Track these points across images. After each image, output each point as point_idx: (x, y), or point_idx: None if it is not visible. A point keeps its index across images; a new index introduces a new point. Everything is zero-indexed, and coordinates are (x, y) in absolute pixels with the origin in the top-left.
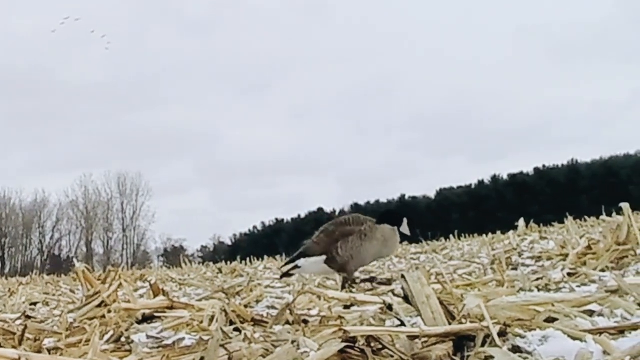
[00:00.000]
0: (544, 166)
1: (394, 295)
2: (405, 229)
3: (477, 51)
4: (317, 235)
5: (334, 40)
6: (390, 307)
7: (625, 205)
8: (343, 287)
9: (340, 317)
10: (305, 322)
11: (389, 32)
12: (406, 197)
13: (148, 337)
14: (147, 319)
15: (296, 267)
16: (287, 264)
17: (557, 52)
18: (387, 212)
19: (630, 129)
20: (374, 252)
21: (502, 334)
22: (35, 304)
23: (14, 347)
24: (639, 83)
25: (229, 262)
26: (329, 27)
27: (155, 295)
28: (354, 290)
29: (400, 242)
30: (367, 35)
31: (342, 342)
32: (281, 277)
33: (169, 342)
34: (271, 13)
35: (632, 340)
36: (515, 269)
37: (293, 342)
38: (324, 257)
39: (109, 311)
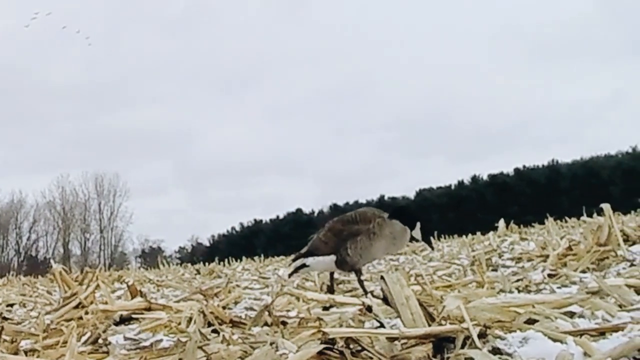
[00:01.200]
0: (524, 167)
1: (373, 296)
2: (417, 233)
3: (456, 51)
4: (325, 233)
5: (312, 40)
6: (369, 309)
7: (606, 206)
8: (362, 287)
9: (319, 319)
10: (284, 323)
11: (367, 32)
12: (385, 197)
13: (125, 338)
14: (124, 320)
15: (304, 265)
16: (295, 260)
17: (536, 51)
18: (402, 209)
19: (610, 129)
20: (382, 250)
21: (482, 335)
22: (12, 305)
23: None
24: (619, 83)
25: (207, 263)
26: (307, 27)
27: (133, 297)
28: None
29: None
30: (345, 35)
31: (321, 343)
32: (289, 275)
33: (147, 343)
34: (249, 13)
35: (612, 341)
36: (495, 270)
37: (271, 343)
38: (333, 258)
39: (86, 312)
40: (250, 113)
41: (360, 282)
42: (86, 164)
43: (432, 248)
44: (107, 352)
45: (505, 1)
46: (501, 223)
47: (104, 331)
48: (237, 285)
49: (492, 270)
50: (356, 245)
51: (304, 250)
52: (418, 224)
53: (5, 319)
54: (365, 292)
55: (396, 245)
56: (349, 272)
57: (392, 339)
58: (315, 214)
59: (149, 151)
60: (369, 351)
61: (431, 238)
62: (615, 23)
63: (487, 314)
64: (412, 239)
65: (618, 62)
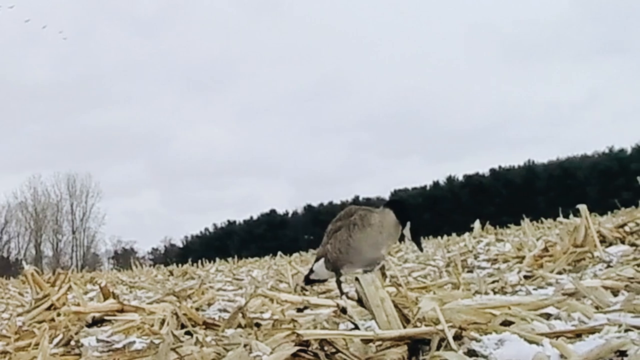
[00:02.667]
0: (500, 167)
1: (348, 298)
2: (407, 232)
3: (431, 51)
4: (324, 236)
5: (285, 39)
6: (344, 311)
7: (582, 207)
8: (339, 288)
9: (293, 321)
10: (258, 325)
11: (341, 31)
12: (360, 198)
13: (98, 340)
14: (97, 322)
15: (312, 271)
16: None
17: (512, 51)
18: (397, 202)
19: (587, 130)
20: (368, 242)
21: (457, 337)
22: None
23: None
24: (595, 83)
25: (180, 265)
26: (280, 27)
27: (106, 298)
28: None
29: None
30: (319, 34)
31: (295, 345)
32: (305, 283)
33: (119, 345)
34: (222, 12)
35: (589, 343)
36: (470, 271)
37: (245, 345)
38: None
39: (59, 314)
40: (223, 113)
41: (338, 282)
42: (58, 164)
43: (421, 249)
44: (80, 354)
45: (480, 0)
46: (477, 224)
47: (77, 333)
48: (211, 287)
49: (468, 271)
50: (335, 240)
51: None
52: (409, 223)
53: None
54: (342, 293)
55: (384, 235)
56: (333, 272)
57: (366, 341)
58: (290, 215)
59: (122, 151)
60: (343, 353)
61: (421, 239)
62: (592, 23)
63: (462, 315)
64: (401, 237)
65: (594, 62)
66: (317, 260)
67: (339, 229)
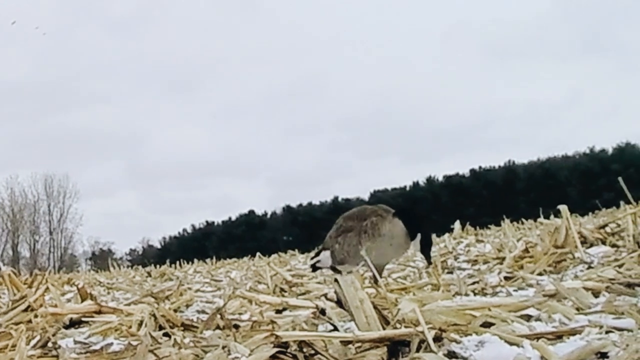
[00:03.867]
0: (480, 167)
1: (327, 299)
2: (416, 244)
3: (410, 50)
4: (333, 228)
5: (263, 39)
6: (323, 312)
7: (563, 208)
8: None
9: (272, 322)
10: (236, 327)
11: (319, 31)
12: (339, 199)
13: (75, 342)
14: (74, 323)
15: (318, 260)
16: (315, 256)
17: (491, 51)
18: (408, 212)
19: (567, 130)
20: (380, 252)
21: (437, 339)
22: None
23: None
24: (576, 82)
25: (158, 266)
26: (258, 27)
27: (83, 300)
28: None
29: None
30: (296, 34)
31: (274, 347)
32: (312, 269)
33: (97, 347)
34: (199, 12)
35: (570, 345)
36: (450, 272)
37: (224, 347)
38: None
39: (36, 316)
40: (201, 113)
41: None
42: (35, 164)
43: (430, 263)
44: (57, 356)
45: None
46: (457, 225)
47: (54, 335)
48: (189, 288)
49: (448, 272)
50: (344, 242)
51: (321, 246)
52: (419, 235)
53: None
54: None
55: (393, 246)
56: (343, 268)
57: (346, 343)
58: (268, 216)
59: (100, 152)
60: (322, 355)
61: (431, 251)
62: (572, 22)
63: (442, 317)
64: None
65: (575, 62)
66: (324, 249)
67: (349, 230)
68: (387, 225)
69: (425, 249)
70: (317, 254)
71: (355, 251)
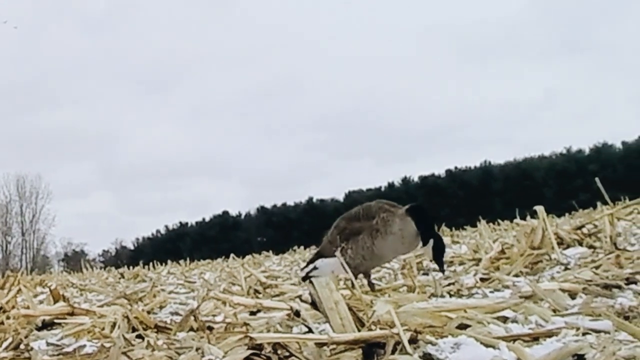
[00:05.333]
0: (456, 168)
1: (302, 301)
2: (428, 251)
3: (385, 50)
4: (331, 232)
5: (238, 38)
6: (297, 313)
7: (539, 209)
8: (371, 289)
9: (246, 324)
10: (210, 328)
11: (294, 31)
12: (314, 199)
13: (48, 344)
14: (47, 325)
15: (315, 268)
16: (307, 264)
17: (468, 51)
18: (421, 212)
19: (544, 130)
20: (389, 249)
21: (412, 341)
22: None
23: None
24: (552, 82)
25: (131, 267)
26: (234, 26)
27: (56, 301)
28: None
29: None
30: (272, 34)
31: (248, 349)
32: (303, 279)
33: (70, 349)
34: (174, 11)
35: (546, 347)
36: (426, 274)
37: (197, 349)
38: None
39: (8, 317)
40: (176, 113)
41: (370, 284)
42: (7, 165)
43: (443, 272)
44: (29, 358)
45: None
46: None
47: (26, 336)
48: (162, 290)
49: (423, 274)
50: (357, 245)
51: (315, 252)
52: (431, 241)
53: None
54: (371, 288)
55: (405, 245)
56: (356, 274)
57: (320, 345)
58: (242, 217)
59: (73, 152)
60: (297, 357)
61: (443, 259)
62: (548, 22)
63: (418, 318)
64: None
65: (551, 62)
66: (319, 256)
67: (358, 232)
68: (397, 223)
69: (439, 256)
70: (311, 262)
71: (370, 253)
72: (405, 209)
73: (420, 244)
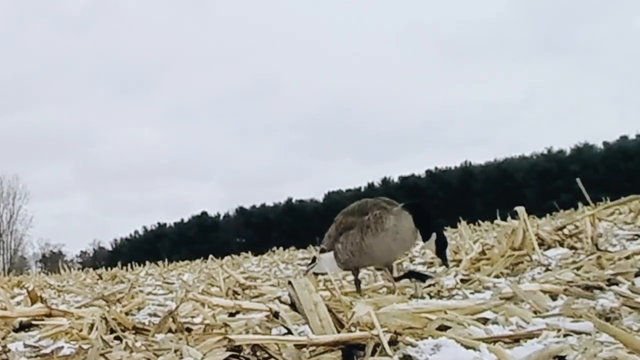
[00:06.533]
0: (436, 168)
1: (281, 302)
2: (431, 245)
3: (366, 50)
4: (332, 226)
5: (216, 38)
6: (276, 315)
7: (520, 209)
8: (357, 288)
9: (225, 325)
10: (189, 330)
11: (273, 30)
12: (293, 200)
13: (25, 345)
14: (24, 327)
15: (314, 263)
16: (311, 262)
17: (449, 50)
18: (418, 207)
19: (525, 130)
20: (382, 248)
21: (392, 342)
22: None
23: None
24: (533, 83)
25: (109, 268)
26: (211, 26)
27: (33, 303)
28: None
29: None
30: (250, 33)
31: (227, 351)
32: (305, 273)
33: (48, 351)
34: (150, 11)
35: (527, 349)
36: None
37: (176, 351)
38: (332, 254)
39: None
40: (153, 113)
41: (357, 282)
42: None
43: (447, 266)
44: None
45: None
46: None
47: (3, 338)
48: (141, 291)
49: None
50: (347, 240)
51: (321, 247)
52: (434, 235)
53: None
54: (358, 289)
55: (397, 242)
56: (346, 270)
57: (300, 346)
58: (221, 218)
59: (50, 153)
60: (276, 358)
61: (447, 253)
62: (530, 22)
63: (397, 320)
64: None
65: (532, 62)
66: (321, 251)
67: (350, 227)
68: (391, 219)
69: (442, 250)
70: (314, 260)
71: (358, 249)
72: (402, 205)
73: (421, 241)
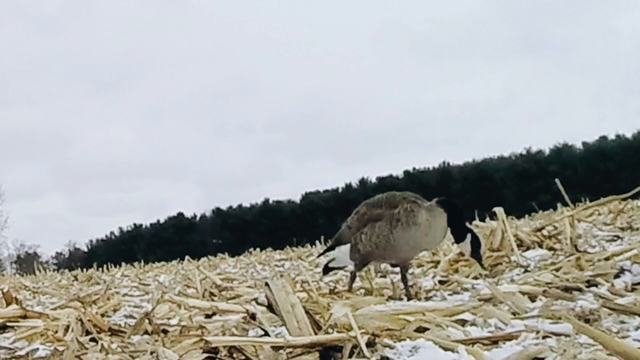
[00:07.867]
0: (414, 169)
1: (258, 303)
2: (466, 246)
3: (342, 50)
4: (352, 217)
5: (193, 38)
6: (253, 316)
7: (499, 210)
8: (350, 283)
9: (201, 327)
10: (165, 331)
11: (250, 30)
12: (270, 201)
13: (0, 347)
14: None
15: (333, 259)
16: (325, 252)
17: (425, 50)
18: (453, 205)
19: (503, 130)
20: (409, 242)
21: (370, 344)
22: None
23: None
24: (511, 82)
25: (85, 269)
26: (188, 25)
27: (8, 304)
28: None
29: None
30: (228, 33)
31: (203, 352)
32: (324, 273)
33: (23, 352)
34: (127, 11)
35: (506, 350)
36: (384, 276)
37: (152, 352)
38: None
39: None
40: (129, 113)
41: (353, 275)
42: None
43: (484, 267)
44: None
45: None
46: None
47: None
48: (117, 292)
49: (381, 276)
50: (372, 232)
51: (334, 238)
52: (469, 236)
53: None
54: (350, 288)
55: (428, 238)
56: (360, 264)
57: (277, 348)
58: (198, 218)
59: (25, 152)
60: None
61: (482, 254)
62: (506, 22)
63: (375, 322)
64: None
65: (509, 62)
66: (337, 244)
67: (377, 219)
68: (423, 214)
69: (478, 251)
70: (329, 250)
71: (385, 242)
72: (436, 201)
73: (444, 232)
